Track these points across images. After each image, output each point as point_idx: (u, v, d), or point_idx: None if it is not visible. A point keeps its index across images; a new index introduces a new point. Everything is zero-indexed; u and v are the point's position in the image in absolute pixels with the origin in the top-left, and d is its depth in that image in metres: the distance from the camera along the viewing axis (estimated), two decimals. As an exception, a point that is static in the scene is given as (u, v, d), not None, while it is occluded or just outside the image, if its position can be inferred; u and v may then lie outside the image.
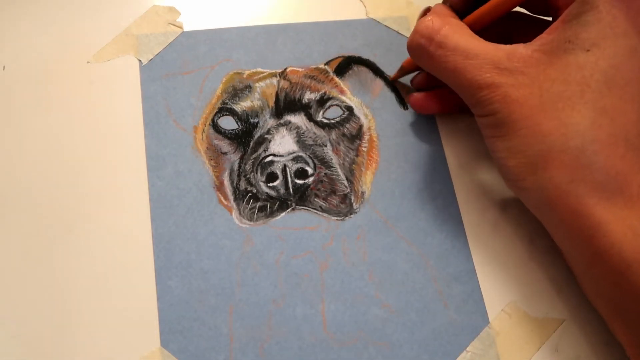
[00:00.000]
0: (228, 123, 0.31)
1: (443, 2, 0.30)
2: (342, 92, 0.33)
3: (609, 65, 0.25)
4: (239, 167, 0.30)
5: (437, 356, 0.28)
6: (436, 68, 0.28)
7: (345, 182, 0.31)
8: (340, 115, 0.32)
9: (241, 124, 0.31)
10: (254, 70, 0.33)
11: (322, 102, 0.32)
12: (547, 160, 0.25)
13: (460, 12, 0.30)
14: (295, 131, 0.31)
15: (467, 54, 0.27)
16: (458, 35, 0.27)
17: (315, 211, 0.30)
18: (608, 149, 0.24)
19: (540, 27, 0.27)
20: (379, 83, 0.34)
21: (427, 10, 0.30)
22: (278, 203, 0.30)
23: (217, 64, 0.33)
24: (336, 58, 0.34)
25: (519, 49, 0.26)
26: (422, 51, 0.28)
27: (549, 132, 0.25)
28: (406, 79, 0.34)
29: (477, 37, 0.27)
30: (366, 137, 0.32)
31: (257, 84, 0.32)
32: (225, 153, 0.31)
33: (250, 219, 0.29)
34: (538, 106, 0.25)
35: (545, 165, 0.25)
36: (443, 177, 0.32)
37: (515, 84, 0.25)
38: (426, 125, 0.33)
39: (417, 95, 0.32)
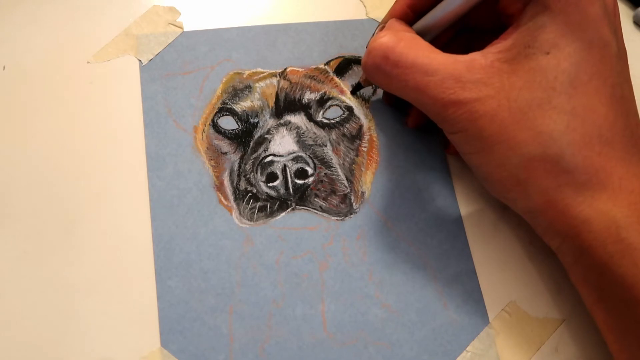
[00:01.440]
0: (228, 123, 0.31)
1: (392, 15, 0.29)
2: (342, 92, 0.33)
3: (570, 64, 0.25)
4: (239, 167, 0.30)
5: (437, 356, 0.28)
6: (396, 87, 0.27)
7: (345, 182, 0.31)
8: (340, 116, 0.32)
9: (241, 124, 0.31)
10: (254, 70, 0.33)
11: (322, 102, 0.32)
12: (528, 171, 0.25)
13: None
14: (295, 131, 0.31)
15: (425, 70, 0.26)
16: (414, 51, 0.26)
17: (315, 211, 0.30)
18: (585, 150, 0.24)
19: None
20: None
21: (382, 27, 0.29)
22: (278, 203, 0.30)
23: (217, 64, 0.33)
24: (336, 58, 0.34)
25: (477, 58, 0.26)
26: (378, 71, 0.27)
27: (525, 143, 0.25)
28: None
29: (433, 49, 0.26)
30: (366, 137, 0.32)
31: (257, 84, 0.32)
32: (225, 153, 0.31)
33: (250, 219, 0.29)
34: (508, 118, 0.25)
35: (527, 176, 0.25)
36: (443, 177, 0.32)
37: (481, 98, 0.25)
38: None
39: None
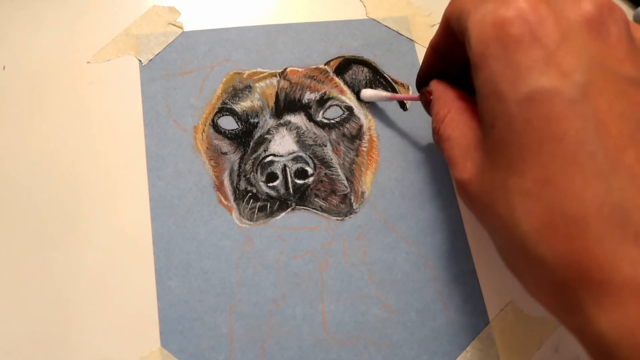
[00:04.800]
0: (228, 123, 0.31)
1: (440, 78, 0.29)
2: (342, 92, 0.33)
3: None
4: (239, 167, 0.30)
5: (437, 356, 0.28)
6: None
7: (345, 182, 0.31)
8: (340, 115, 0.32)
9: (241, 124, 0.31)
10: (254, 70, 0.33)
11: (322, 102, 0.32)
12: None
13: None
14: (295, 131, 0.31)
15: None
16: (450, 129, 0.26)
17: (315, 211, 0.30)
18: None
19: None
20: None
21: (427, 92, 0.28)
22: (278, 203, 0.30)
23: (217, 64, 0.33)
24: (336, 58, 0.34)
25: (476, 159, 0.24)
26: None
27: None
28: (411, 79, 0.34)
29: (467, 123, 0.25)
30: (366, 137, 0.32)
31: (257, 84, 0.32)
32: (225, 153, 0.31)
33: (250, 219, 0.29)
34: (486, 200, 0.23)
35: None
36: (443, 177, 0.32)
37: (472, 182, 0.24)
38: (426, 125, 0.33)
39: None
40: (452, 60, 0.27)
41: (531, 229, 0.20)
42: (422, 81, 0.30)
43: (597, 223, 0.19)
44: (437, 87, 0.28)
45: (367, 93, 0.33)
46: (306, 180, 0.30)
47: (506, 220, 0.21)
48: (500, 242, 0.23)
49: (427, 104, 0.28)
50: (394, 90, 0.33)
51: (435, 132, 0.27)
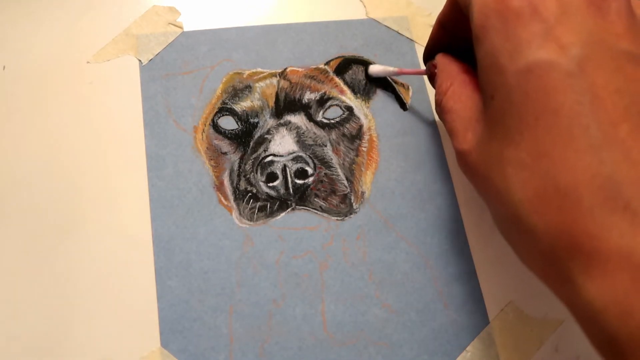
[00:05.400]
0: (228, 123, 0.31)
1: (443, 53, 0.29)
2: (342, 92, 0.33)
3: None
4: (239, 167, 0.30)
5: (437, 356, 0.28)
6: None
7: (345, 182, 0.31)
8: (340, 116, 0.32)
9: (241, 124, 0.31)
10: (254, 70, 0.33)
11: (322, 102, 0.32)
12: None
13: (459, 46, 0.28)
14: (295, 131, 0.31)
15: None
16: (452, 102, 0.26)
17: (315, 211, 0.30)
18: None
19: None
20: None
21: (432, 65, 0.29)
22: (278, 203, 0.30)
23: (217, 64, 0.33)
24: (336, 58, 0.34)
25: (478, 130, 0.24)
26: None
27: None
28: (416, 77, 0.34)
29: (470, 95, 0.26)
30: (366, 137, 0.32)
31: (257, 84, 0.32)
32: (225, 153, 0.31)
33: (250, 219, 0.29)
34: (485, 172, 0.24)
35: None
36: (443, 177, 0.32)
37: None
38: (426, 125, 0.33)
39: None
40: (458, 34, 0.28)
41: (524, 199, 0.21)
42: (429, 55, 0.30)
43: (588, 194, 0.19)
44: (442, 61, 0.28)
45: (375, 68, 0.33)
46: (306, 180, 0.30)
47: (501, 191, 0.22)
48: (496, 212, 0.23)
49: (433, 77, 0.29)
50: (394, 92, 0.33)
51: (438, 104, 0.27)
